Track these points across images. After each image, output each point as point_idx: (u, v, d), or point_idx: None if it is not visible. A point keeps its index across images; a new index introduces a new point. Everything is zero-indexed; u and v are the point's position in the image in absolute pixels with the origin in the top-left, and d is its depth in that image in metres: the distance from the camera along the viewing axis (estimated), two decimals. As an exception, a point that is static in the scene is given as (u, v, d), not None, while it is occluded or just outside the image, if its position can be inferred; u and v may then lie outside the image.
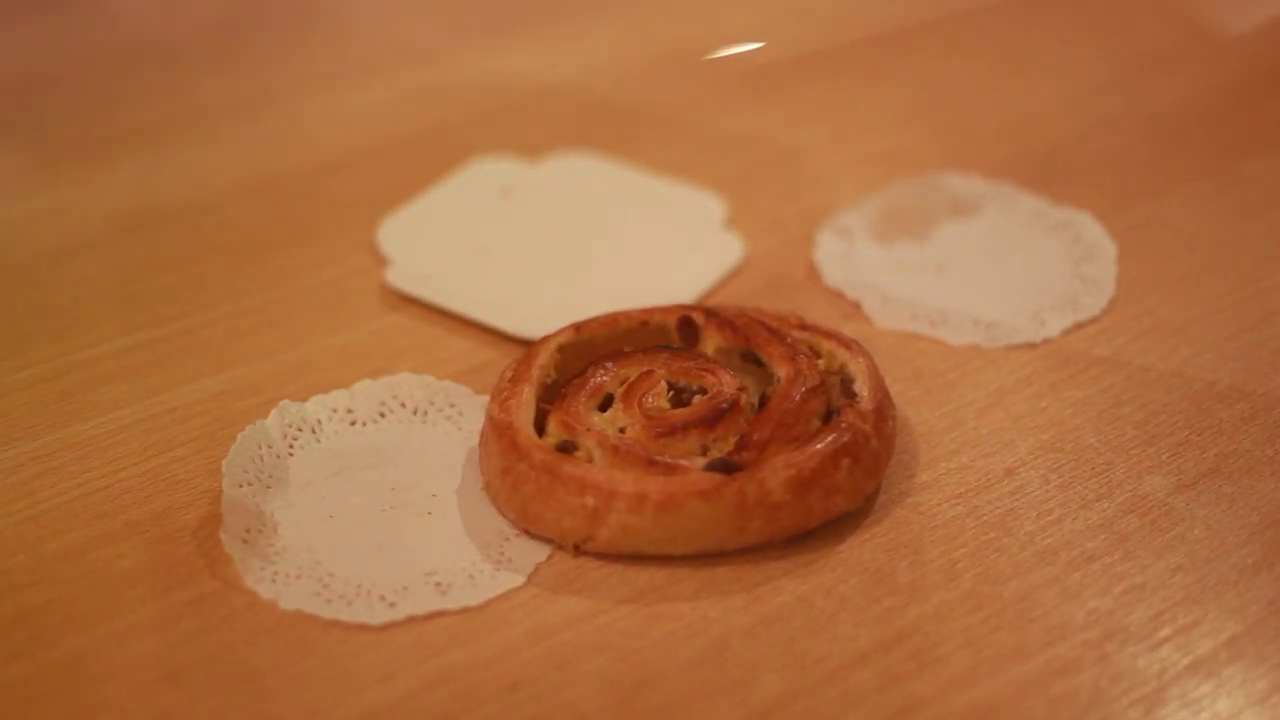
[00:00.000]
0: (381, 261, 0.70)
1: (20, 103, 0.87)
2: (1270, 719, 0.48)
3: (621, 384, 0.57)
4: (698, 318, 0.60)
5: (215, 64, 0.90)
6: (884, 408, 0.56)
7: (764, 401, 0.56)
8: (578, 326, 0.60)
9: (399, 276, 0.68)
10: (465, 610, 0.51)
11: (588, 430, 0.55)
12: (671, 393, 0.57)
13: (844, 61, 0.89)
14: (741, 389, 0.56)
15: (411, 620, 0.51)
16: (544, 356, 0.59)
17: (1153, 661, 0.49)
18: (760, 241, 0.71)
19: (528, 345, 0.62)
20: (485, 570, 0.53)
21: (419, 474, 0.57)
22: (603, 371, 0.58)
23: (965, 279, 0.68)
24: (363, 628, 0.51)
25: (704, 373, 0.57)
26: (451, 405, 0.60)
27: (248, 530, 0.54)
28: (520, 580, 0.53)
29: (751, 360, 0.58)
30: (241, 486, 0.56)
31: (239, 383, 0.62)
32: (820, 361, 0.58)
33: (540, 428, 0.56)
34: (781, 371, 0.57)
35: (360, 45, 0.94)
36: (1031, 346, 0.64)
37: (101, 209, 0.75)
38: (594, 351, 0.59)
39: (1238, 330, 0.64)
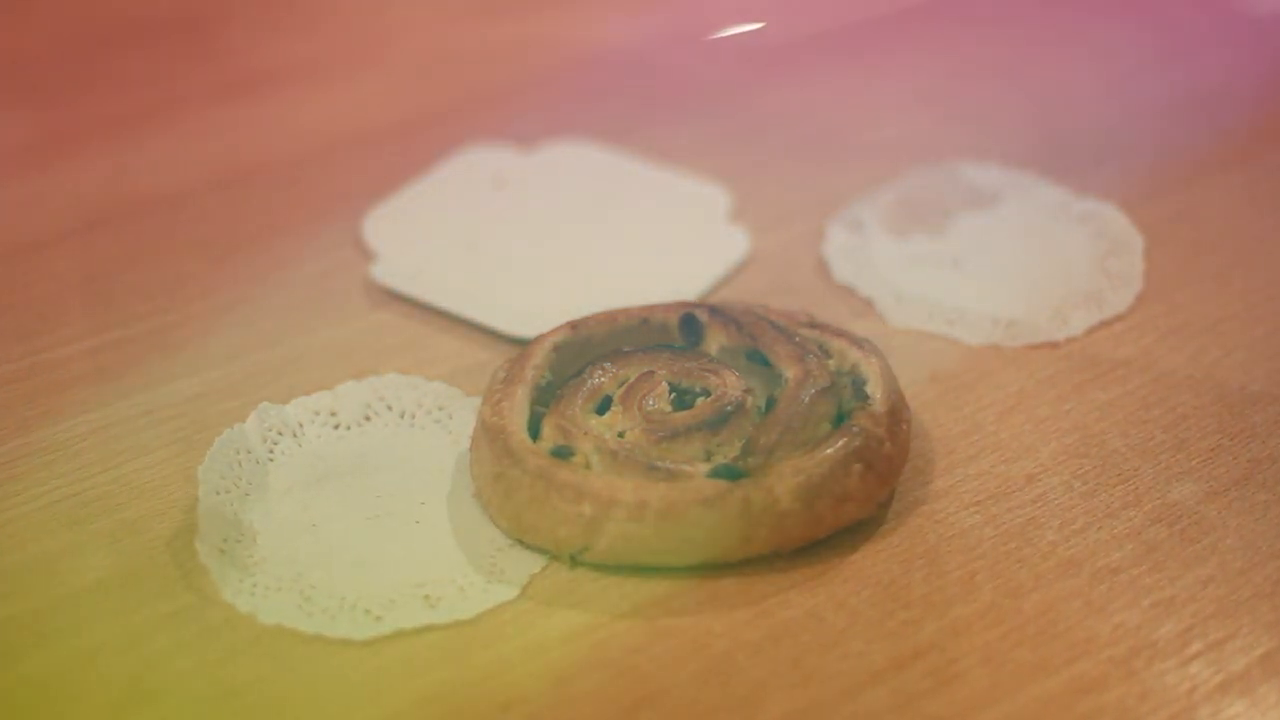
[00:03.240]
0: (367, 256, 0.70)
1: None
2: (1307, 739, 0.48)
3: (620, 385, 0.57)
4: (701, 315, 0.60)
5: (189, 49, 0.90)
6: (898, 411, 0.56)
7: (771, 404, 0.56)
8: (574, 325, 0.60)
9: (385, 272, 0.68)
10: (455, 624, 0.51)
11: (585, 434, 0.55)
12: (673, 395, 0.57)
13: (854, 42, 0.89)
14: (747, 391, 0.56)
15: (399, 635, 0.51)
16: (538, 356, 0.59)
17: (1182, 679, 0.49)
18: (767, 235, 0.71)
19: (521, 344, 0.62)
20: (476, 582, 0.53)
21: (406, 480, 0.57)
22: (601, 372, 0.58)
23: (984, 274, 0.68)
24: (347, 643, 0.51)
25: (708, 373, 0.57)
26: (441, 408, 0.61)
27: (225, 540, 0.54)
28: (513, 593, 0.53)
29: (758, 360, 0.58)
30: (218, 494, 0.56)
31: (216, 384, 0.62)
32: (830, 362, 0.58)
33: (535, 432, 0.56)
34: (789, 372, 0.57)
35: (343, 27, 0.94)
36: (1054, 346, 0.64)
37: (70, 201, 0.75)
38: (591, 351, 0.59)
39: (1273, 329, 0.64)
